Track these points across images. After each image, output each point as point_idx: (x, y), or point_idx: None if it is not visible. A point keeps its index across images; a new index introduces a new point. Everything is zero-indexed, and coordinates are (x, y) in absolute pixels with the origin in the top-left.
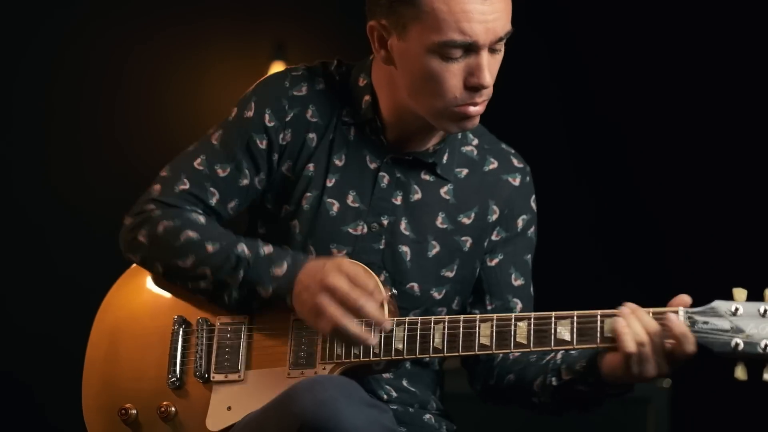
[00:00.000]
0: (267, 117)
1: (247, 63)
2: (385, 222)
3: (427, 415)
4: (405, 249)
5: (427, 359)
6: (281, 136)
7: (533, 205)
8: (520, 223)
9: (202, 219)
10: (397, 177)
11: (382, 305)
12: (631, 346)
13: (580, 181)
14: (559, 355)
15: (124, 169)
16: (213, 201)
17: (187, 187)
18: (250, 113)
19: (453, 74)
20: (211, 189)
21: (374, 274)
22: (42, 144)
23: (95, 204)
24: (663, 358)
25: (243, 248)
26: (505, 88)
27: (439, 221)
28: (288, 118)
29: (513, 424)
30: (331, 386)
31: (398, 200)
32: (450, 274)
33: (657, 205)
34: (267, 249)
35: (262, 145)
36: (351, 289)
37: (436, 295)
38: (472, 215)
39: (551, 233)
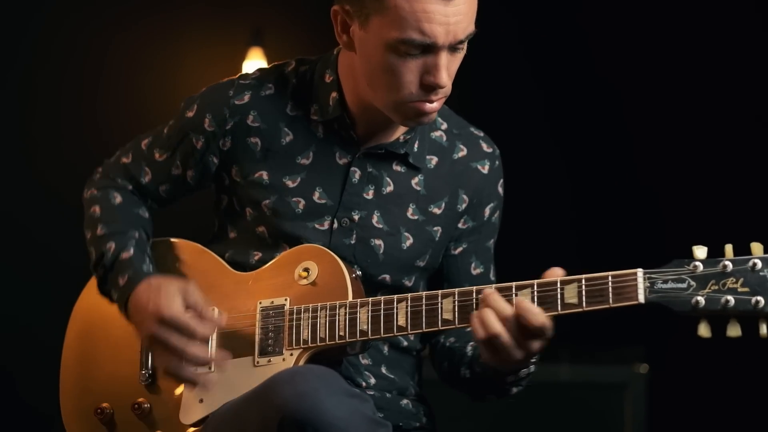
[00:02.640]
0: (207, 122)
1: (225, 49)
2: (356, 217)
3: (404, 401)
4: (378, 242)
5: (405, 344)
6: (221, 142)
7: (500, 190)
8: (487, 212)
9: (118, 198)
10: (369, 171)
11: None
12: (480, 333)
13: (554, 160)
14: (469, 347)
15: (105, 155)
16: (145, 179)
17: (128, 161)
18: (191, 113)
19: (409, 70)
20: (146, 168)
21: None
22: (25, 132)
23: (76, 190)
24: (526, 342)
25: (111, 246)
26: (476, 68)
27: (410, 212)
28: (228, 126)
29: (490, 409)
30: (311, 377)
31: (370, 194)
32: (422, 264)
33: (624, 179)
34: (126, 254)
35: (198, 145)
36: (181, 327)
37: (407, 283)
38: (443, 205)
39: (526, 213)
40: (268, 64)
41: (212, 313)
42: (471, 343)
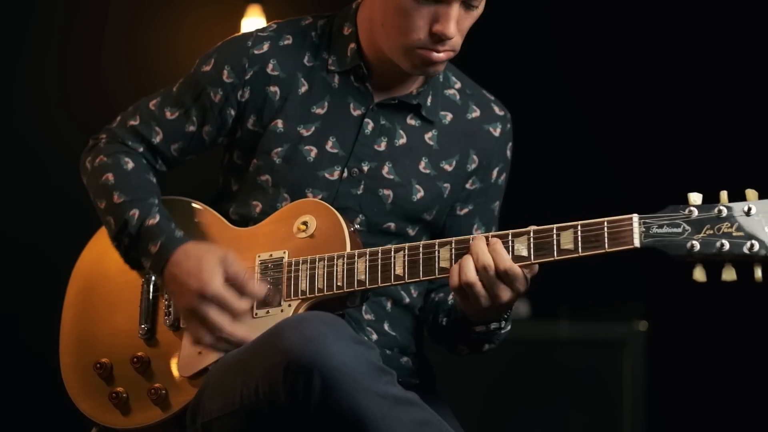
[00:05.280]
0: (225, 73)
1: (224, 7)
2: (366, 168)
3: (405, 358)
4: (387, 192)
5: (407, 300)
6: (239, 93)
7: (508, 153)
8: (494, 174)
9: (130, 164)
10: (382, 124)
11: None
12: (453, 281)
13: (550, 109)
14: (450, 295)
15: (107, 112)
16: (156, 140)
17: (136, 123)
18: (208, 68)
19: (421, 16)
20: (156, 128)
21: (242, 269)
22: (26, 90)
23: (78, 145)
24: (496, 290)
25: (135, 213)
26: (478, 33)
27: (422, 166)
28: (248, 76)
29: (490, 367)
30: (317, 323)
31: (382, 146)
32: (429, 218)
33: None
34: (152, 220)
35: (216, 98)
36: (222, 304)
37: (411, 232)
38: (454, 162)
39: (525, 161)
40: (267, 21)
41: (253, 283)
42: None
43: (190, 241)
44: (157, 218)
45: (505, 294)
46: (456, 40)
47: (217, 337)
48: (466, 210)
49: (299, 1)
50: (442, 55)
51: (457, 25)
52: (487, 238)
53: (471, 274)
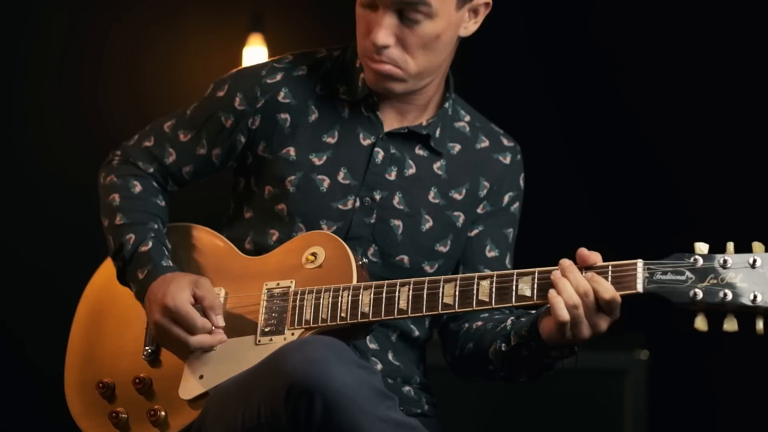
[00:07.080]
0: (238, 100)
1: (225, 35)
2: (378, 197)
3: (407, 388)
4: (397, 223)
5: (417, 333)
6: (250, 120)
7: (521, 183)
8: (506, 198)
9: (138, 187)
10: (392, 153)
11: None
12: (563, 314)
13: (567, 157)
14: (509, 322)
15: (106, 139)
16: (169, 161)
17: (150, 144)
18: (221, 93)
19: (363, 23)
20: (170, 149)
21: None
22: (26, 116)
23: (81, 167)
24: (596, 319)
25: (131, 238)
26: (485, 62)
27: (431, 196)
28: (259, 105)
29: (493, 397)
30: (321, 346)
31: (392, 176)
32: (444, 249)
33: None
34: (145, 247)
35: (227, 123)
36: (183, 318)
37: (428, 269)
38: (464, 191)
39: (543, 202)
40: (269, 50)
41: (216, 309)
42: (511, 318)
43: (173, 270)
44: (150, 245)
45: (604, 323)
46: (394, 54)
47: (184, 349)
48: (476, 231)
49: (300, 28)
50: (378, 66)
51: (399, 39)
52: (580, 268)
53: (575, 297)
